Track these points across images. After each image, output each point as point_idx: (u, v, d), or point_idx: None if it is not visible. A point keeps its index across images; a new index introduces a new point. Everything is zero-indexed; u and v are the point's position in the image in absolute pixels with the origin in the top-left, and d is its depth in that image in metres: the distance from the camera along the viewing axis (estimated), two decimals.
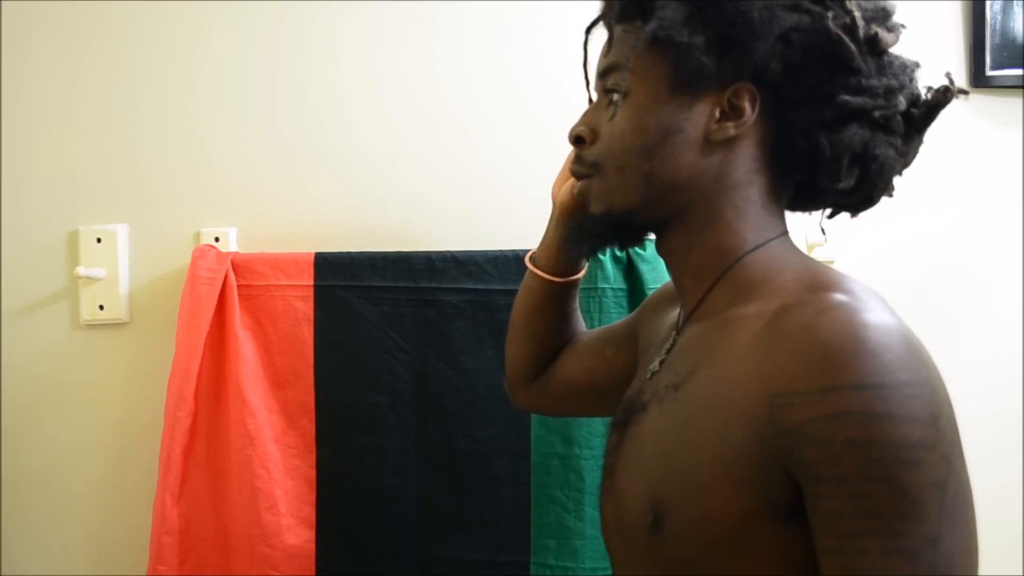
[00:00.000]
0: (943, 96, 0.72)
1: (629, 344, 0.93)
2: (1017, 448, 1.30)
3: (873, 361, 0.58)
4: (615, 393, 0.91)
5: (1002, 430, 1.30)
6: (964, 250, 1.31)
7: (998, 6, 1.28)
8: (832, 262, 1.23)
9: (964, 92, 0.73)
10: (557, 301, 0.96)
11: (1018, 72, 1.28)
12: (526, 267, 0.96)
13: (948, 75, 0.73)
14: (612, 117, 0.72)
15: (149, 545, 1.11)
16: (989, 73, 1.28)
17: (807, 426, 0.59)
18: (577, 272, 0.95)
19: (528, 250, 0.97)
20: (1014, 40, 1.28)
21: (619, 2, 0.73)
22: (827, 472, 0.58)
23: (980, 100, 1.30)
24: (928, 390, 0.59)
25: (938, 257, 1.30)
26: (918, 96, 0.73)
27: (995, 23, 1.28)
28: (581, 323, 1.01)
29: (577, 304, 0.99)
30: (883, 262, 1.27)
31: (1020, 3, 1.28)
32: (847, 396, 0.58)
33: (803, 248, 1.18)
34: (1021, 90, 1.29)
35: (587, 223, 0.79)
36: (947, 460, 0.58)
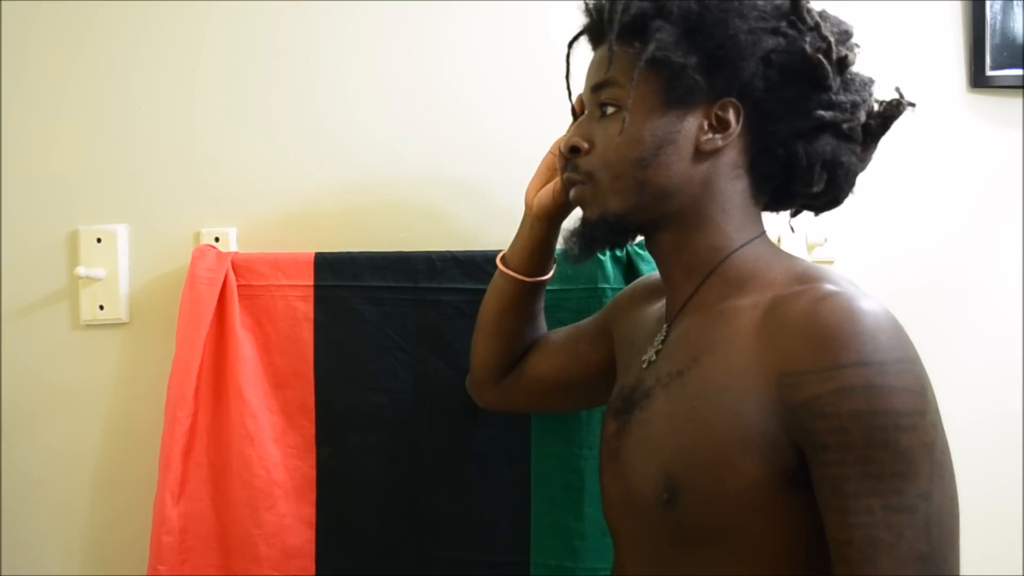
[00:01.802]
0: (895, 109, 0.81)
1: (601, 340, 0.99)
2: (1017, 448, 1.30)
3: (871, 342, 0.65)
4: (587, 387, 1.01)
5: (1002, 430, 1.30)
6: (964, 250, 1.31)
7: (998, 6, 1.28)
8: (832, 262, 1.24)
9: (912, 104, 0.81)
10: (527, 300, 1.01)
11: (1018, 72, 1.28)
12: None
13: (898, 88, 0.82)
14: (621, 131, 0.78)
15: (149, 545, 1.10)
16: (989, 73, 1.28)
17: (814, 401, 0.66)
18: (546, 273, 1.01)
19: None
20: (1014, 40, 1.28)
21: (618, 23, 0.78)
22: (834, 441, 0.65)
23: (980, 100, 1.30)
24: (917, 365, 0.67)
25: (938, 257, 1.30)
26: (872, 109, 0.81)
27: (995, 23, 1.28)
28: (544, 324, 1.07)
29: (543, 304, 1.05)
30: (883, 262, 1.27)
31: (1020, 3, 1.28)
32: (850, 373, 0.65)
33: (803, 248, 1.20)
34: (1021, 90, 1.29)
35: (579, 227, 0.85)
36: (934, 424, 0.65)
